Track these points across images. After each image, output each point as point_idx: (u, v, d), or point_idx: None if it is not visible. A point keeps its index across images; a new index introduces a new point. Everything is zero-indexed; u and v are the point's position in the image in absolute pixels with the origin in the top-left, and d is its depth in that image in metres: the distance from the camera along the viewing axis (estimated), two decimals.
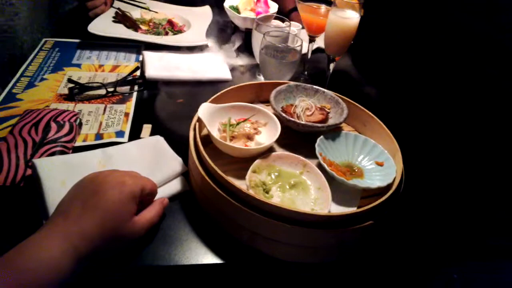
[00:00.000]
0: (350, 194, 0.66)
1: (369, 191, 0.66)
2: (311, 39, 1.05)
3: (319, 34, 1.02)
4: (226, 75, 1.01)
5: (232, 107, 0.75)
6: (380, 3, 1.28)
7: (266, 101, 0.87)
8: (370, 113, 0.81)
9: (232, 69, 1.04)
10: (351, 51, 1.13)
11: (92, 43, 1.06)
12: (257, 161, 0.64)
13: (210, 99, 0.75)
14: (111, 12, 1.16)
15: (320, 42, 1.07)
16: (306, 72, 1.10)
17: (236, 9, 1.10)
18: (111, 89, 0.87)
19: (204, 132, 0.74)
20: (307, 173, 0.66)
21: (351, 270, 0.65)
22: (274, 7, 1.12)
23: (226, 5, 1.08)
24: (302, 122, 0.74)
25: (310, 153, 0.70)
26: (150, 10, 1.23)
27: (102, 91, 0.87)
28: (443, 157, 0.86)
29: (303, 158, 0.67)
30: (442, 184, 0.80)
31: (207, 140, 0.70)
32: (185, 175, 0.68)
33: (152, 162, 0.68)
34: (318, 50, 1.17)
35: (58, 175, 0.62)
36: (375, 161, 0.72)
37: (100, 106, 0.84)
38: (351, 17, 0.86)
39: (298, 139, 0.77)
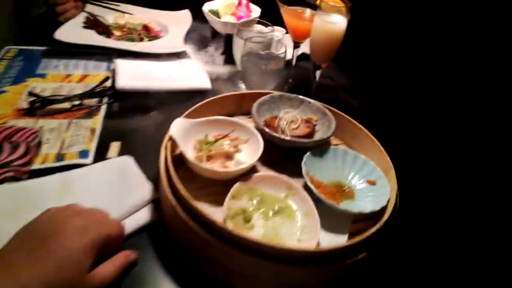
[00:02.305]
0: (340, 218, 0.60)
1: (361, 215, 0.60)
2: (296, 45, 0.99)
3: (304, 39, 0.96)
4: (205, 84, 0.93)
5: (209, 122, 0.68)
6: (368, 6, 1.23)
7: (248, 113, 0.80)
8: (359, 125, 0.75)
9: (212, 77, 0.97)
10: (338, 57, 1.07)
11: (59, 51, 0.97)
12: (237, 185, 0.57)
13: (184, 114, 0.68)
14: (82, 17, 1.07)
15: (305, 48, 1.01)
16: (290, 80, 1.04)
17: (216, 13, 1.03)
18: (77, 102, 0.79)
19: (179, 151, 0.66)
20: (292, 197, 0.60)
21: None
22: (256, 11, 1.05)
23: (205, 9, 1.01)
24: (287, 138, 0.67)
25: (296, 171, 0.63)
26: (124, 13, 1.15)
27: (67, 105, 0.79)
28: (440, 173, 0.80)
29: (288, 179, 0.60)
30: (441, 203, 0.74)
31: (182, 160, 0.63)
32: (157, 202, 0.61)
33: (119, 188, 0.60)
34: (303, 56, 1.11)
35: (8, 205, 0.54)
36: (367, 179, 0.66)
37: (63, 122, 0.76)
38: (337, 22, 0.80)
39: (283, 155, 0.70)
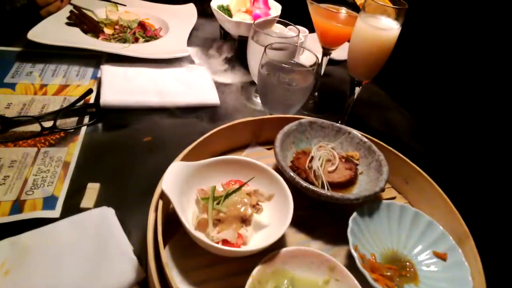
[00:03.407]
0: None
1: None
2: (326, 52, 0.80)
3: (337, 46, 0.78)
4: (213, 98, 0.75)
5: (217, 164, 0.49)
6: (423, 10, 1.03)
7: (267, 142, 0.63)
8: (416, 166, 0.57)
9: (221, 90, 0.79)
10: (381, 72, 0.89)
11: (36, 53, 0.80)
12: (256, 271, 0.40)
13: (183, 152, 0.50)
14: (66, 11, 0.89)
15: (336, 54, 0.82)
16: (316, 94, 0.85)
17: (227, 11, 0.84)
18: (48, 124, 0.61)
19: None
20: (336, 283, 0.42)
21: None
22: (276, 9, 0.86)
23: (213, 4, 0.83)
24: (326, 193, 0.49)
25: (338, 232, 0.47)
26: (118, 4, 0.97)
27: (37, 127, 0.61)
28: None
29: (329, 257, 0.42)
30: None
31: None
32: (145, 283, 0.43)
33: (93, 258, 0.43)
34: (332, 61, 0.92)
35: None
36: (433, 250, 0.48)
37: (30, 151, 0.58)
38: (389, 28, 0.61)
39: (317, 208, 0.52)
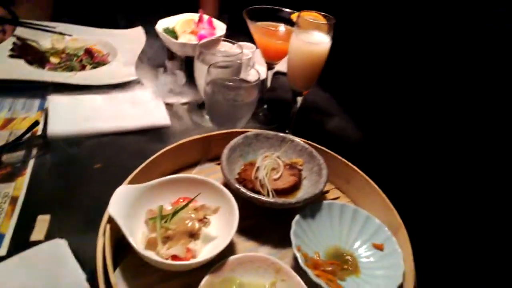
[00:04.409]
0: None
1: None
2: (270, 66, 0.84)
3: (279, 60, 0.82)
4: (163, 120, 0.77)
5: (165, 184, 0.52)
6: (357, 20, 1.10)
7: (217, 158, 0.65)
8: (354, 166, 0.62)
9: (171, 110, 0.81)
10: (322, 79, 0.94)
11: None
12: (206, 279, 0.42)
13: (130, 176, 0.52)
14: (9, 44, 0.88)
15: (281, 66, 0.87)
16: (266, 106, 0.89)
17: (172, 33, 0.87)
18: None
19: None
20: (282, 283, 0.45)
21: None
22: (221, 28, 0.90)
23: (159, 28, 0.85)
24: (269, 200, 0.52)
25: (283, 236, 0.49)
26: (63, 35, 0.97)
27: None
28: (459, 228, 0.66)
29: (275, 260, 0.45)
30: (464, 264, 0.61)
31: None
32: None
33: None
34: (278, 73, 0.97)
35: None
36: (372, 242, 0.52)
37: None
38: (320, 42, 0.66)
39: (264, 215, 0.55)
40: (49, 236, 0.51)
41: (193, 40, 0.86)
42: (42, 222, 0.53)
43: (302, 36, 0.66)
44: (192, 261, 0.44)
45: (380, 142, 0.81)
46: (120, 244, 0.47)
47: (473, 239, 0.62)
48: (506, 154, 0.71)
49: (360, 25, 1.01)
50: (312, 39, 0.66)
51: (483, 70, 0.77)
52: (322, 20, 0.67)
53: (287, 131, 0.80)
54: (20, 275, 0.45)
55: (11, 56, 0.86)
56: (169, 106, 0.82)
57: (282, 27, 0.80)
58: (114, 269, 0.44)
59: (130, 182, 0.51)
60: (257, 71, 0.72)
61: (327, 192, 0.64)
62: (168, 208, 0.50)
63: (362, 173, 0.60)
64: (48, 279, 0.45)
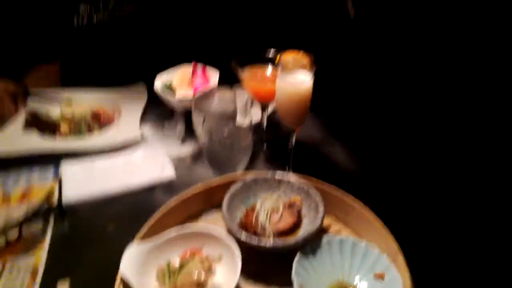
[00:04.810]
0: None
1: None
2: (263, 107, 0.89)
3: (271, 101, 0.87)
4: (168, 173, 0.82)
5: (172, 241, 0.55)
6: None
7: (220, 205, 0.68)
8: (351, 197, 0.64)
9: (176, 162, 0.86)
10: (317, 111, 0.98)
11: None
12: None
13: (138, 235, 0.56)
14: (22, 117, 0.96)
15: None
16: (265, 145, 0.93)
17: (170, 89, 0.93)
18: (13, 236, 0.65)
19: None
20: None
21: None
22: (214, 76, 0.96)
23: (157, 86, 0.92)
24: (269, 245, 0.55)
25: (288, 279, 0.51)
26: (70, 102, 1.04)
27: (1, 241, 0.65)
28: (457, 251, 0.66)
29: None
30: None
31: None
32: None
33: None
34: (275, 112, 1.01)
35: None
36: (374, 273, 0.54)
37: None
38: (302, 81, 0.71)
39: (269, 259, 0.58)
40: None
41: (189, 92, 0.92)
42: (62, 287, 0.57)
43: (285, 78, 0.71)
44: None
45: (377, 170, 0.83)
46: None
47: (470, 257, 0.63)
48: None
49: (353, 54, 1.06)
50: (294, 79, 0.70)
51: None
52: (303, 58, 0.72)
53: (288, 168, 0.83)
54: None
55: (25, 127, 0.93)
56: (173, 159, 0.87)
57: (269, 68, 0.84)
58: None
59: (140, 240, 0.55)
60: (250, 113, 0.76)
61: (328, 226, 0.66)
62: (177, 260, 0.53)
63: (359, 202, 0.63)
64: None
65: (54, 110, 1.01)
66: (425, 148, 0.86)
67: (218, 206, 0.69)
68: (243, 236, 0.55)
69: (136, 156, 0.86)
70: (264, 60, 0.86)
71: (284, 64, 0.71)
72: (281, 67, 0.71)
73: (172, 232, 0.56)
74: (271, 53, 0.85)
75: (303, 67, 0.71)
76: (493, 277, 0.59)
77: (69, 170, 0.80)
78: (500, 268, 0.60)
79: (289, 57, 0.73)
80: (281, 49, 0.77)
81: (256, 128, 0.95)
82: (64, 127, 0.95)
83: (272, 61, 0.86)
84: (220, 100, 0.89)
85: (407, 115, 0.97)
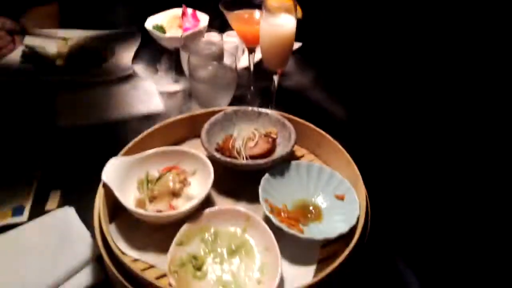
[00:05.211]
0: (307, 246, 0.53)
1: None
2: (251, 50, 0.92)
3: (258, 44, 0.89)
4: (157, 106, 0.86)
5: (152, 156, 0.60)
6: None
7: None
8: (322, 131, 0.68)
9: (166, 97, 0.90)
10: (301, 56, 1.00)
11: None
12: (183, 228, 0.51)
13: (123, 150, 0.61)
14: (19, 52, 0.99)
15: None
16: (252, 88, 0.97)
17: (161, 28, 0.96)
18: None
19: None
20: (251, 230, 0.53)
21: None
22: (204, 20, 0.98)
23: (148, 25, 0.94)
24: (240, 162, 0.60)
25: (257, 196, 0.56)
26: (66, 40, 1.07)
27: None
28: (412, 182, 0.72)
29: (244, 211, 0.53)
30: (414, 212, 0.67)
31: None
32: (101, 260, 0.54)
33: (56, 248, 0.53)
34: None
35: None
36: (335, 194, 0.60)
37: None
38: (285, 23, 0.73)
39: (242, 180, 0.63)
40: (60, 205, 0.61)
41: (179, 33, 0.94)
42: (55, 195, 0.64)
43: (269, 20, 0.73)
44: (172, 212, 0.52)
45: (363, 119, 0.88)
46: (117, 207, 0.56)
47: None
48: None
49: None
50: (278, 21, 0.73)
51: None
52: (288, 3, 0.74)
53: (270, 107, 0.87)
54: (38, 235, 0.55)
55: (22, 62, 0.97)
56: (163, 94, 0.91)
57: (256, 13, 0.86)
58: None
59: (124, 155, 0.60)
60: (234, 55, 0.79)
61: (301, 156, 0.71)
62: (155, 173, 0.59)
63: (328, 136, 0.67)
64: (61, 237, 0.55)
65: (50, 47, 1.05)
66: (406, 102, 0.90)
67: (200, 136, 0.74)
68: (218, 155, 0.60)
69: (127, 89, 0.90)
70: (252, 5, 0.88)
71: (268, 6, 0.73)
72: (265, 10, 0.73)
73: (153, 150, 0.61)
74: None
75: (287, 10, 0.74)
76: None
77: (62, 101, 0.85)
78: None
79: (274, 0, 0.75)
80: None
81: (245, 71, 0.98)
82: (60, 61, 0.98)
83: (260, 6, 0.88)
84: (207, 41, 0.91)
85: (398, 69, 1.00)
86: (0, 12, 1.06)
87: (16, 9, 1.14)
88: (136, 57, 1.02)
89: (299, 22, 0.76)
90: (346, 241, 0.51)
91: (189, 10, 0.98)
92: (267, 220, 0.53)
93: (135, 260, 0.50)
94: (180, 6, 1.01)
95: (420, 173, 0.73)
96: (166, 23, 0.97)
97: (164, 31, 0.95)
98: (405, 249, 0.62)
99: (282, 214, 0.55)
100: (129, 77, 0.94)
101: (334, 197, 0.59)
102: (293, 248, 0.52)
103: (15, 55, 0.98)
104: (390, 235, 0.63)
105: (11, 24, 1.06)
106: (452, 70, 0.92)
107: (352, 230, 0.52)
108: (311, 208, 0.59)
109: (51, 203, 0.63)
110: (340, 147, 0.65)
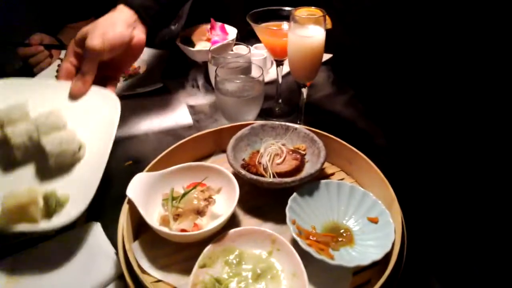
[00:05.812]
0: (338, 273, 0.50)
1: None
2: (279, 63, 0.90)
3: (286, 56, 0.87)
4: (186, 119, 0.86)
5: (178, 171, 0.59)
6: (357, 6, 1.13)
7: None
8: (354, 148, 0.65)
9: (194, 111, 0.90)
10: (332, 67, 0.97)
11: None
12: (207, 249, 0.49)
13: (149, 166, 0.60)
14: (55, 65, 1.03)
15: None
16: (280, 101, 0.95)
17: (190, 42, 0.96)
18: None
19: None
20: (277, 252, 0.50)
21: None
22: (232, 33, 0.98)
23: (177, 40, 0.95)
24: (266, 180, 0.58)
25: (284, 217, 0.53)
26: None
27: None
28: (449, 203, 0.67)
29: (270, 232, 0.51)
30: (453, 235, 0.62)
31: None
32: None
33: (82, 263, 0.53)
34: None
35: None
36: (367, 217, 0.56)
37: None
38: (314, 35, 0.71)
39: (269, 198, 0.61)
40: (86, 220, 0.61)
41: (207, 46, 0.94)
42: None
43: (297, 31, 0.71)
44: (195, 232, 0.50)
45: (388, 131, 0.83)
46: (142, 222, 0.55)
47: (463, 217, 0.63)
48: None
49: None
50: (306, 33, 0.71)
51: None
52: (317, 14, 0.72)
53: (299, 122, 0.85)
54: (64, 250, 0.55)
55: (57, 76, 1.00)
56: (191, 107, 0.91)
57: (285, 25, 0.85)
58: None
59: (149, 171, 0.60)
60: (261, 67, 0.78)
61: (332, 174, 0.68)
62: (180, 189, 0.58)
63: (360, 153, 0.64)
64: (87, 253, 0.55)
65: None
66: (438, 117, 0.85)
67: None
68: (244, 172, 0.58)
69: (158, 102, 0.91)
70: (280, 17, 0.87)
71: (296, 17, 0.71)
72: (293, 21, 0.72)
73: (178, 166, 0.60)
74: (288, 11, 0.85)
75: (315, 21, 0.71)
76: (480, 233, 0.59)
77: None
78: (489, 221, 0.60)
79: (302, 11, 0.73)
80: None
81: (271, 84, 0.97)
82: None
83: (288, 18, 0.86)
84: (235, 54, 0.91)
85: (429, 83, 0.94)
86: (39, 29, 1.11)
87: (54, 25, 1.20)
88: (165, 71, 1.03)
89: (328, 32, 0.73)
90: (380, 268, 0.47)
91: (218, 24, 0.98)
92: (295, 242, 0.50)
93: (158, 281, 0.49)
94: (208, 21, 1.02)
95: (457, 194, 0.68)
96: (194, 37, 0.97)
97: (193, 45, 0.95)
98: (442, 273, 0.57)
99: (311, 237, 0.52)
100: (159, 90, 0.95)
101: (366, 219, 0.55)
102: (322, 274, 0.48)
103: (52, 69, 1.02)
104: (426, 260, 0.58)
105: (49, 40, 1.11)
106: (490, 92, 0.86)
107: (387, 255, 0.48)
108: (341, 231, 0.55)
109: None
110: (373, 165, 0.61)
